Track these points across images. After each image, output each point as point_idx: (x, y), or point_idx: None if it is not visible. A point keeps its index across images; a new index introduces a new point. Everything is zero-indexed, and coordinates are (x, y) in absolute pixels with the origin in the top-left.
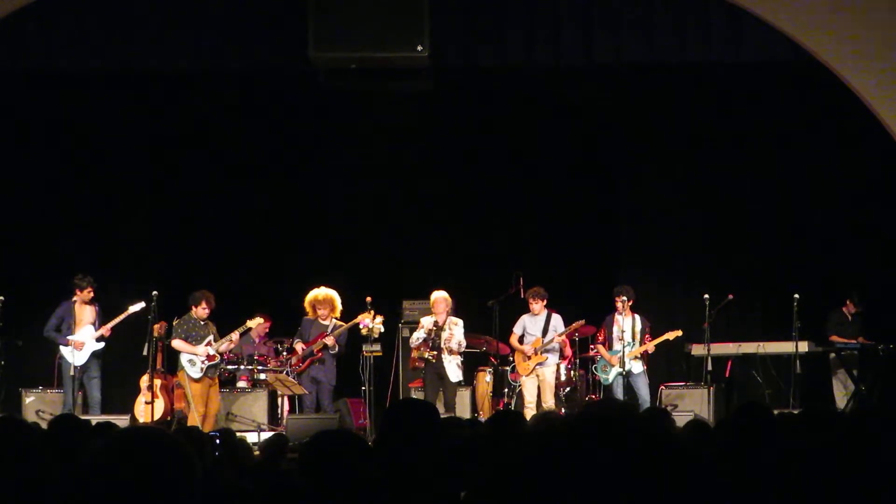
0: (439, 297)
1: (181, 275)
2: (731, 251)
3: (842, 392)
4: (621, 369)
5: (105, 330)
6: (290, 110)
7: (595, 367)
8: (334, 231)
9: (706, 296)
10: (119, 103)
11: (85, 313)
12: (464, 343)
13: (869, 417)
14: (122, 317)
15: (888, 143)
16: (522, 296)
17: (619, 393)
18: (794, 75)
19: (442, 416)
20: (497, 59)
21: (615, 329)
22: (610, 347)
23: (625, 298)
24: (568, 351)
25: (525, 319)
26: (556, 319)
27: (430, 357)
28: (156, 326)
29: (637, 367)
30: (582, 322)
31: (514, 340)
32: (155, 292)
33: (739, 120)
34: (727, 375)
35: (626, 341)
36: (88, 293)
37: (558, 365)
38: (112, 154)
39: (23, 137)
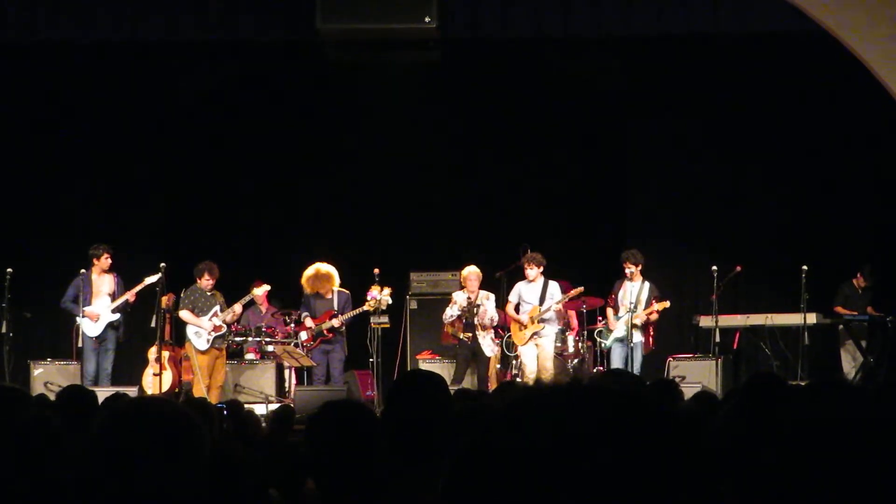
0: (472, 272)
1: (188, 246)
2: (739, 222)
3: (850, 364)
4: (619, 336)
5: (130, 295)
6: (295, 81)
7: (598, 333)
8: (341, 202)
9: (714, 267)
10: (125, 73)
11: (102, 284)
12: (496, 318)
13: (878, 389)
14: (138, 288)
15: None
16: (523, 270)
17: (615, 360)
18: (802, 45)
19: (474, 391)
20: (505, 31)
21: (620, 294)
22: (616, 313)
23: (632, 264)
24: (575, 322)
25: (521, 287)
26: (553, 287)
27: (465, 339)
28: (164, 298)
29: (635, 337)
30: (581, 289)
31: (510, 309)
32: (163, 264)
33: (748, 91)
34: (735, 347)
35: (629, 307)
36: (106, 260)
37: (566, 336)
38: (118, 126)
39: (31, 109)
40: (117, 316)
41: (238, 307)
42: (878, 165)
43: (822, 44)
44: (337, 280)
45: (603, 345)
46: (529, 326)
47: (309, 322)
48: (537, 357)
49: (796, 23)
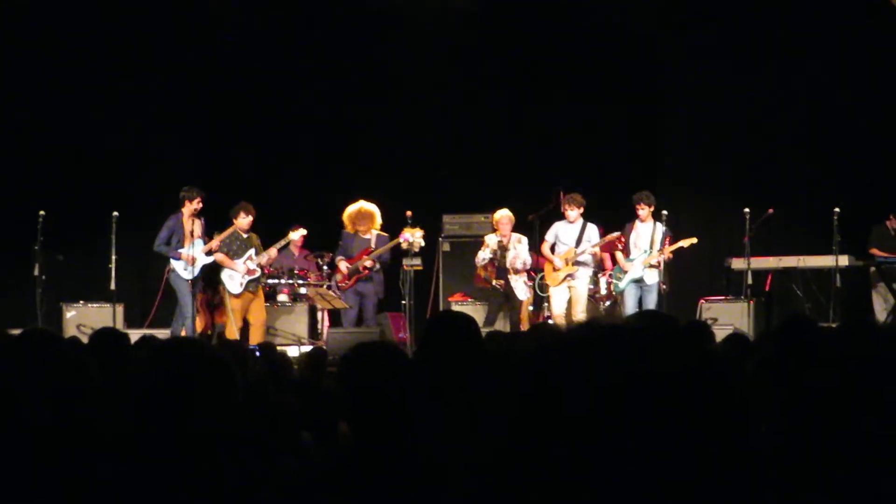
0: (504, 215)
1: (221, 189)
2: (772, 165)
3: (882, 306)
4: (635, 277)
5: (215, 243)
6: (332, 23)
7: (611, 274)
8: (375, 145)
9: (746, 210)
10: (160, 14)
11: (194, 227)
12: (528, 261)
13: None
14: (229, 231)
15: None
16: (562, 210)
17: (630, 302)
18: None
19: (506, 333)
20: None
21: (633, 236)
22: (627, 255)
23: (646, 205)
24: (609, 264)
25: (558, 227)
26: (592, 230)
27: (497, 285)
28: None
29: (651, 278)
30: (617, 234)
31: (545, 248)
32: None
33: (780, 32)
34: (767, 289)
35: (643, 249)
36: (198, 203)
37: (598, 277)
38: (149, 68)
39: (63, 50)
40: (211, 258)
41: (274, 251)
42: None
43: None
44: (378, 220)
45: (616, 287)
46: (563, 268)
47: (343, 266)
48: (568, 300)
49: None
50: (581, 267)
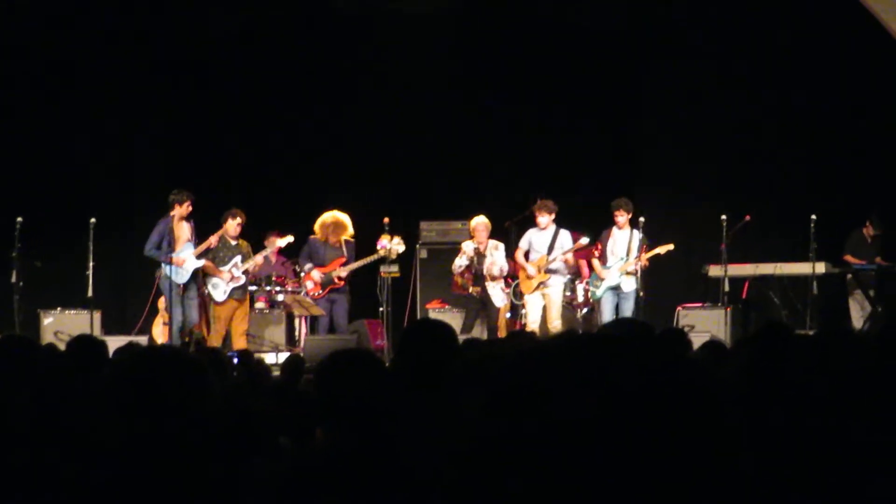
0: (480, 222)
1: (203, 196)
2: (749, 171)
3: (859, 313)
4: (612, 284)
5: (261, 257)
6: (308, 31)
7: (588, 281)
8: (352, 151)
9: (723, 217)
10: (139, 18)
11: (183, 230)
12: (505, 268)
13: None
14: (218, 234)
15: None
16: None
17: (606, 310)
18: None
19: (483, 340)
20: None
21: (610, 243)
22: (605, 262)
23: (625, 212)
24: (585, 271)
25: (531, 234)
26: (564, 236)
27: (474, 293)
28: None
29: (628, 285)
30: (587, 241)
31: (519, 256)
32: (173, 213)
33: (758, 36)
34: (744, 296)
35: (620, 256)
36: (188, 207)
37: (575, 284)
38: (124, 73)
39: (43, 51)
40: (202, 262)
41: (260, 258)
42: (887, 113)
43: None
44: (350, 230)
45: (593, 294)
46: (535, 276)
47: (316, 274)
48: (543, 308)
49: None
50: (553, 274)
